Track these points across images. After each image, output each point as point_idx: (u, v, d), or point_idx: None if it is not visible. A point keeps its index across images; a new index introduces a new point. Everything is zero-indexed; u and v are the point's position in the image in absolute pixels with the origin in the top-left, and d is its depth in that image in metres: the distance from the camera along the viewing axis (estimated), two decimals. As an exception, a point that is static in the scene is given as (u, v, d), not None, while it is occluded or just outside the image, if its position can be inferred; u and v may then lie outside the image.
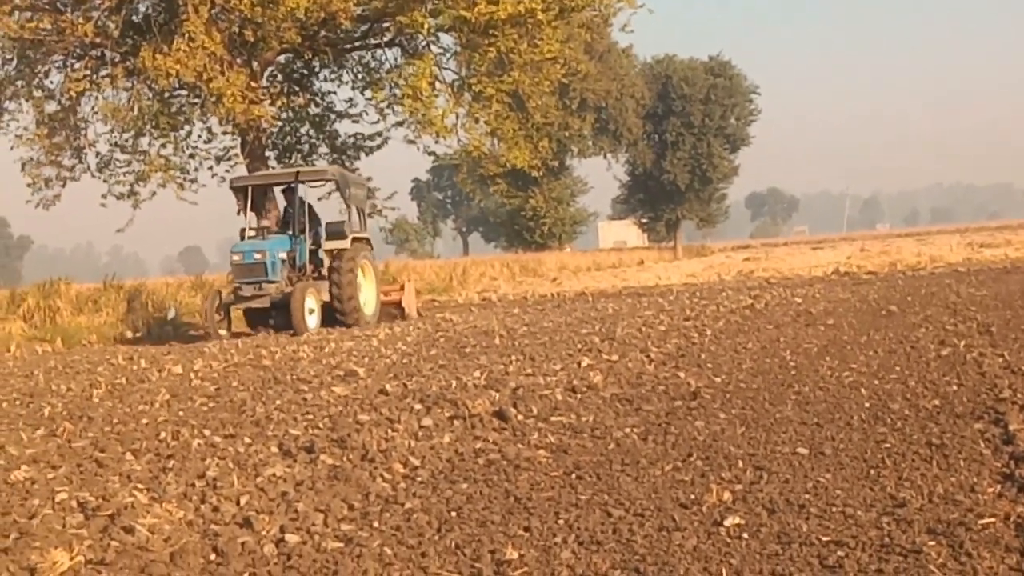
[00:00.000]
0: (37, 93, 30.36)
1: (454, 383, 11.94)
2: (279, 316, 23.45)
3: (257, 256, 23.34)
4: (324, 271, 24.67)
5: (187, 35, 26.38)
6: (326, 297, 23.86)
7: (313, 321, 23.06)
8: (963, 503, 6.18)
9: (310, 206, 25.72)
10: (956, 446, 7.63)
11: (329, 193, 28.60)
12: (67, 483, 8.09)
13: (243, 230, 24.87)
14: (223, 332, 23.28)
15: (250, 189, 25.31)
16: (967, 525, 5.72)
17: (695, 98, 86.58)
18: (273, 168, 31.00)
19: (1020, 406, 8.83)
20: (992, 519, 5.79)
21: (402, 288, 27.63)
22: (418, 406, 10.54)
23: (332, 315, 23.84)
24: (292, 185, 25.17)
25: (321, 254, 25.06)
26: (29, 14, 27.78)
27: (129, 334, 26.70)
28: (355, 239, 25.12)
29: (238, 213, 25.27)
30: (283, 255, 23.92)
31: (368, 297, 24.97)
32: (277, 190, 26.87)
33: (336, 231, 25.33)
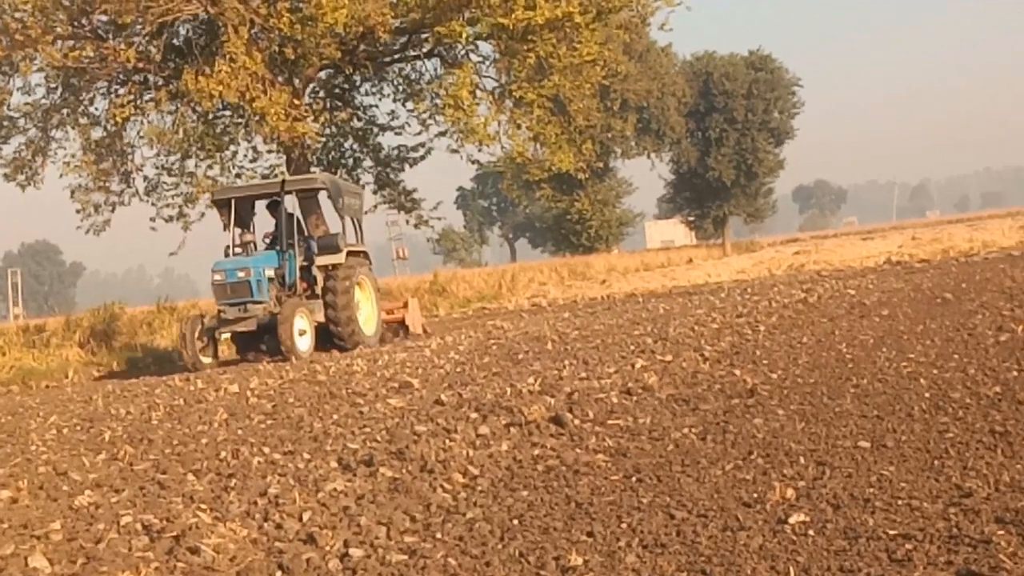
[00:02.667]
0: (83, 120, 30.63)
1: (509, 390, 11.94)
2: (270, 339, 21.89)
3: (241, 275, 21.77)
4: (318, 289, 23.04)
5: (228, 56, 26.54)
6: (320, 318, 22.48)
7: (304, 343, 21.56)
8: (1030, 491, 6.13)
9: (298, 219, 24.26)
10: (1020, 433, 7.57)
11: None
12: (131, 506, 8.16)
13: (227, 247, 23.45)
14: (207, 360, 21.96)
15: (233, 202, 23.70)
16: (1036, 513, 5.67)
17: (737, 93, 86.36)
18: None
19: (1082, 390, 8.75)
20: (1060, 505, 5.74)
21: (405, 305, 26.67)
22: (474, 415, 10.55)
23: (329, 336, 22.55)
24: (278, 196, 23.36)
25: (314, 271, 23.31)
26: (72, 43, 28.01)
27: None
28: (351, 253, 23.67)
29: (224, 229, 23.97)
30: (270, 273, 22.44)
31: (368, 316, 23.67)
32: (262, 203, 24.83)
33: (329, 245, 23.86)
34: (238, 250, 23.05)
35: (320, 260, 23.24)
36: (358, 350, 21.39)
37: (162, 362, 24.25)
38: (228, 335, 22.99)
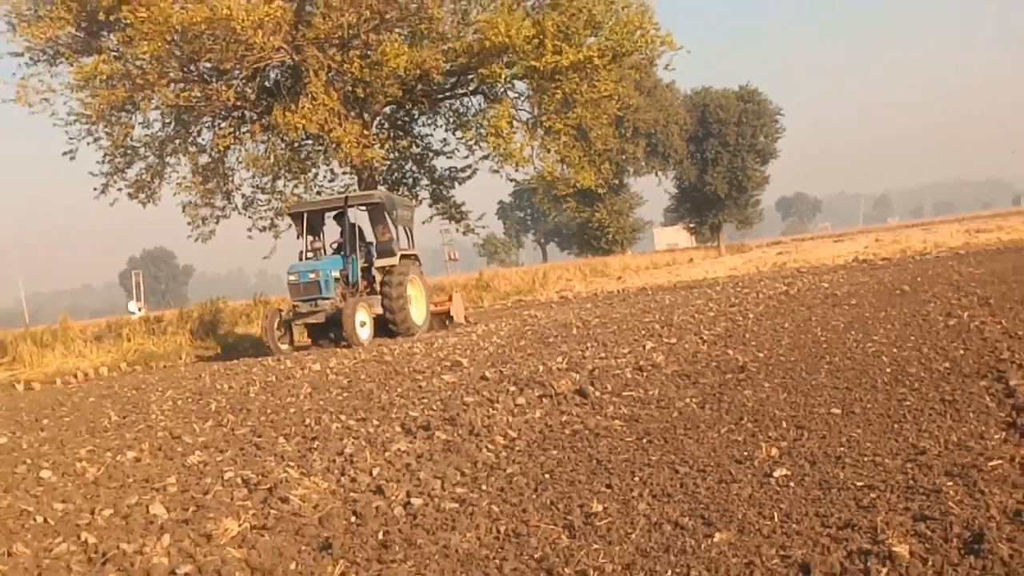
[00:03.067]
0: (192, 149, 30.83)
1: (541, 368, 11.93)
2: (337, 329, 21.71)
3: (311, 276, 21.81)
4: (377, 286, 22.95)
5: (310, 95, 26.67)
6: (379, 310, 22.39)
7: (365, 333, 21.45)
8: (974, 449, 6.10)
9: (360, 228, 23.97)
10: (966, 401, 7.52)
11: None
12: (232, 464, 8.21)
13: (301, 252, 23.29)
14: (284, 347, 22.09)
15: (306, 215, 23.43)
16: (979, 467, 5.65)
17: (729, 121, 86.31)
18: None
19: (1018, 365, 8.68)
20: (1000, 461, 5.71)
21: (450, 299, 26.27)
22: (513, 388, 10.55)
23: (385, 326, 22.46)
24: (343, 210, 23.22)
25: (373, 271, 23.20)
26: (182, 85, 28.19)
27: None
28: (403, 256, 23.52)
29: (297, 237, 23.61)
30: (336, 274, 22.27)
31: (418, 308, 23.45)
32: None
33: (385, 249, 23.82)
34: (310, 255, 22.98)
35: (378, 262, 23.21)
36: (416, 336, 21.38)
37: (258, 347, 24.30)
38: (302, 325, 22.72)
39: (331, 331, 21.96)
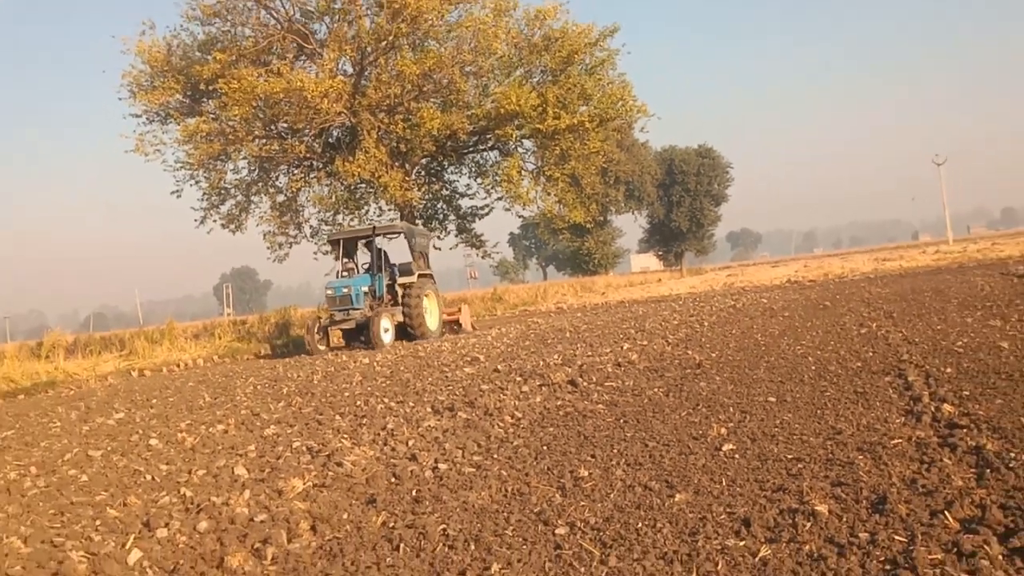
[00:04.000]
0: (271, 190, 30.91)
1: (541, 363, 11.92)
2: (366, 334, 21.27)
3: (345, 291, 21.51)
4: (399, 299, 22.66)
5: (364, 149, 26.79)
6: (400, 318, 22.01)
7: (388, 337, 20.98)
8: (880, 430, 6.06)
9: (385, 252, 23.57)
10: (873, 393, 7.48)
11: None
12: (299, 436, 8.21)
13: (338, 272, 22.88)
14: (322, 348, 21.66)
15: (341, 241, 23.16)
16: (883, 445, 5.61)
17: (690, 172, 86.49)
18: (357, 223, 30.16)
19: (915, 364, 8.63)
20: (899, 440, 5.67)
21: (459, 310, 25.64)
22: (519, 379, 10.53)
23: (405, 332, 22.06)
24: (371, 237, 23.06)
25: (397, 287, 22.94)
26: (264, 140, 28.32)
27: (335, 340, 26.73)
28: (420, 275, 23.23)
29: (335, 259, 23.42)
30: (365, 289, 21.93)
31: (432, 317, 23.01)
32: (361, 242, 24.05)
33: (406, 270, 23.37)
34: (344, 274, 22.73)
35: (400, 280, 23.00)
36: (430, 340, 21.32)
37: (351, 339, 24.22)
38: (338, 330, 22.57)
39: (361, 335, 21.75)
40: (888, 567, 3.63)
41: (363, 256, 23.80)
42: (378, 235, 23.12)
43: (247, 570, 4.54)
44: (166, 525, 5.36)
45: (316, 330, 21.73)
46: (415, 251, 23.61)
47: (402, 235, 23.95)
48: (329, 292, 21.95)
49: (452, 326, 24.82)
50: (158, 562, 4.75)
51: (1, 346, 30.19)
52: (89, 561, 4.79)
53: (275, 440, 8.12)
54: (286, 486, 6.03)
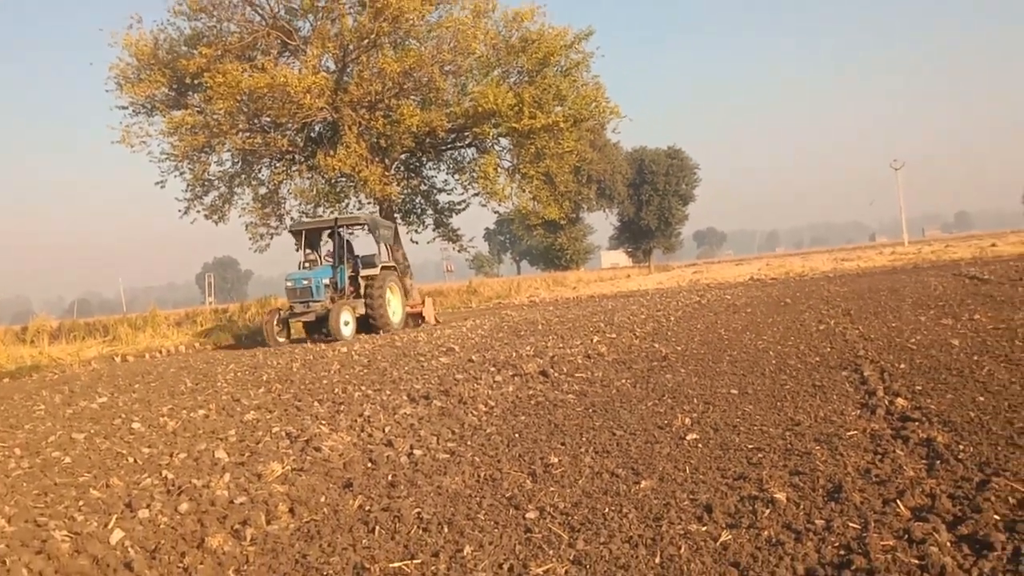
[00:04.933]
0: (254, 182, 30.63)
1: (514, 354, 11.94)
2: (326, 326, 20.26)
3: (304, 283, 20.58)
4: (362, 292, 21.74)
5: (345, 144, 26.66)
6: (362, 311, 21.13)
7: (348, 330, 20.09)
8: (836, 422, 6.13)
9: (349, 242, 22.67)
10: (831, 387, 7.56)
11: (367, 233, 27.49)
12: (278, 421, 8.18)
13: (300, 263, 21.87)
14: (281, 340, 20.63)
15: (304, 232, 22.31)
16: (839, 436, 5.68)
17: (660, 172, 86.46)
18: (320, 216, 28.72)
19: (870, 360, 8.73)
20: (855, 432, 5.74)
21: (423, 303, 24.99)
22: (492, 369, 10.55)
23: (368, 324, 21.21)
24: (333, 229, 21.95)
25: (360, 279, 21.97)
26: (248, 134, 28.12)
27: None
28: (383, 267, 22.37)
29: (297, 250, 22.28)
30: (326, 281, 20.97)
31: (395, 309, 22.29)
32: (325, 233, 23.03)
33: (369, 262, 22.51)
34: (306, 265, 21.75)
35: (363, 272, 22.12)
36: (391, 332, 21.01)
37: (313, 331, 24.12)
38: (300, 322, 21.32)
39: (322, 327, 20.67)
40: (843, 552, 3.68)
41: (328, 248, 22.87)
42: (340, 226, 22.20)
43: (227, 550, 4.52)
44: (148, 506, 5.33)
45: (276, 322, 20.91)
46: (379, 243, 22.99)
47: (365, 227, 23.32)
48: (289, 284, 21.14)
49: (415, 319, 24.18)
50: (140, 542, 4.72)
51: (-14, 330, 29.77)
52: (72, 540, 4.75)
53: (255, 425, 8.09)
54: (265, 470, 6.01)
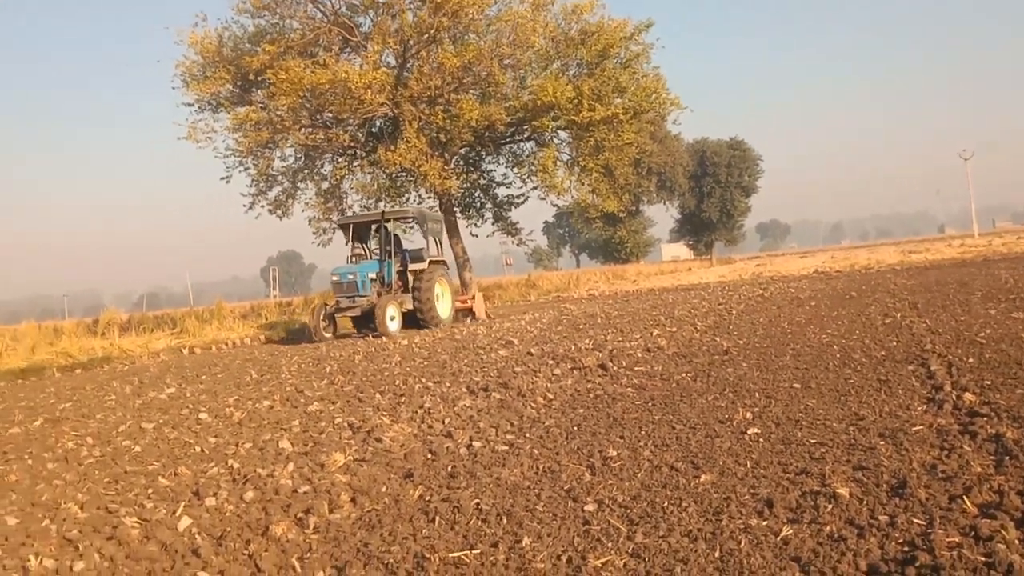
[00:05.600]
0: (316, 177, 31.09)
1: (573, 347, 11.94)
2: (372, 321, 19.75)
3: (350, 277, 20.22)
4: (410, 287, 21.19)
5: (405, 139, 26.87)
6: (410, 306, 20.67)
7: (394, 325, 19.54)
8: (902, 417, 6.02)
9: (396, 236, 22.29)
10: (896, 381, 7.42)
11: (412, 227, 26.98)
12: (341, 412, 8.29)
13: (348, 258, 21.55)
14: (327, 335, 20.27)
15: (352, 226, 21.87)
16: (904, 431, 5.58)
17: (721, 164, 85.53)
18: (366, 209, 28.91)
19: (938, 354, 8.55)
20: (921, 427, 5.63)
21: (473, 298, 24.31)
22: (551, 362, 10.56)
23: (415, 319, 20.74)
24: (381, 222, 21.34)
25: (408, 274, 21.43)
26: (310, 129, 28.51)
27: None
28: (432, 262, 21.70)
29: (345, 244, 21.87)
30: (372, 275, 20.48)
31: (444, 305, 21.62)
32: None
33: (417, 256, 21.90)
34: (352, 259, 21.41)
35: (412, 267, 21.53)
36: (477, 323, 21.01)
37: (360, 326, 24.34)
38: (349, 316, 20.99)
39: (369, 323, 20.15)
40: (907, 548, 3.61)
41: (377, 242, 22.11)
42: (388, 220, 21.72)
43: (290, 538, 4.61)
44: (214, 494, 5.45)
45: (322, 317, 20.58)
46: (427, 236, 22.40)
47: (414, 220, 22.80)
48: (334, 278, 20.83)
49: (465, 315, 23.66)
50: (207, 529, 4.84)
51: (60, 323, 30.72)
52: (142, 527, 4.89)
53: (318, 416, 8.21)
54: (328, 460, 6.11)
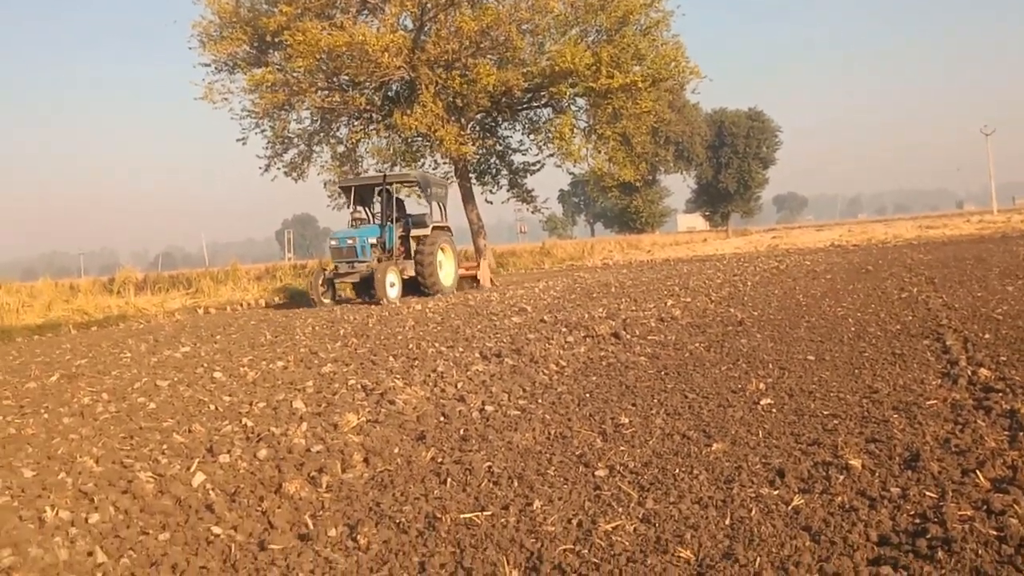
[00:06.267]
0: (332, 140, 31.11)
1: (586, 316, 11.93)
2: (372, 288, 19.01)
3: (349, 242, 19.50)
4: (412, 252, 20.54)
5: (421, 103, 26.77)
6: (411, 272, 20.02)
7: (394, 292, 18.89)
8: (916, 391, 6.00)
9: (399, 200, 21.58)
10: (911, 355, 7.39)
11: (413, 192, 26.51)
12: (354, 374, 8.33)
13: (350, 220, 20.81)
14: (326, 301, 19.64)
15: (353, 189, 21.19)
16: (918, 405, 5.56)
17: (739, 135, 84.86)
18: (376, 171, 28.40)
19: (954, 329, 8.50)
20: (935, 401, 5.61)
21: (478, 265, 23.63)
22: (564, 329, 10.56)
23: (417, 287, 20.14)
24: (383, 186, 20.46)
25: (410, 239, 20.78)
26: (326, 92, 28.43)
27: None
28: (435, 227, 20.99)
29: (346, 207, 21.27)
30: (372, 240, 19.69)
31: (447, 272, 21.03)
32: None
33: (420, 221, 21.19)
34: (353, 224, 20.58)
35: (414, 232, 20.89)
36: (490, 289, 20.80)
37: (360, 292, 24.16)
38: (349, 282, 20.31)
39: (369, 289, 19.39)
40: (918, 521, 3.61)
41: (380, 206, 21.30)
42: (390, 183, 20.87)
43: (303, 496, 4.65)
44: (228, 452, 5.50)
45: (320, 282, 20.03)
46: (431, 201, 21.86)
47: (416, 184, 22.23)
48: (333, 243, 20.22)
49: (470, 282, 23.09)
50: (220, 485, 4.89)
51: (76, 281, 30.94)
52: (156, 481, 4.95)
53: (331, 377, 8.25)
54: (341, 420, 6.14)
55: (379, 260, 19.76)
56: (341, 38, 24.97)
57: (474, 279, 23.10)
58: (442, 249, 20.89)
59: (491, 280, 23.55)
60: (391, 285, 19.00)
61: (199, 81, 28.48)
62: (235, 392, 7.76)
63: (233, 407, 7.05)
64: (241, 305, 22.02)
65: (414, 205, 28.48)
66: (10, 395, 8.54)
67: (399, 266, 19.84)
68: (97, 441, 6.09)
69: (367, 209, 21.30)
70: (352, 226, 20.58)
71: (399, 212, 21.18)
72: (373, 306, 17.91)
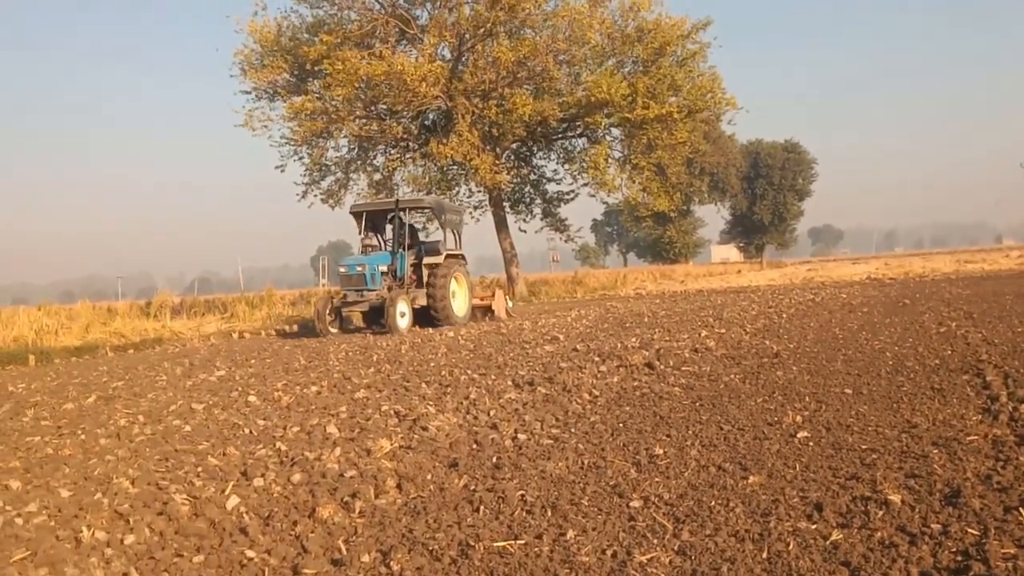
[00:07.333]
0: (369, 168, 31.50)
1: (619, 345, 11.87)
2: (382, 318, 18.26)
3: (359, 269, 18.69)
4: (424, 281, 19.50)
5: (458, 132, 27.02)
6: (423, 302, 19.04)
7: (404, 322, 18.14)
8: (956, 426, 5.90)
9: (412, 227, 20.55)
10: (951, 390, 7.28)
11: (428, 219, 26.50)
12: (388, 400, 8.34)
13: (361, 247, 20.01)
14: (333, 330, 18.81)
15: (365, 214, 20.07)
16: (959, 440, 5.47)
17: (775, 166, 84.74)
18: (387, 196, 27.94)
19: (994, 364, 8.36)
20: (975, 437, 5.52)
21: (493, 295, 22.24)
22: (597, 359, 10.52)
23: (429, 317, 19.11)
24: (395, 212, 19.65)
25: (423, 268, 19.72)
26: (364, 121, 28.80)
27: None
28: (449, 255, 19.91)
29: (358, 233, 20.12)
30: (383, 268, 18.95)
31: (460, 302, 20.04)
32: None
33: (433, 249, 20.24)
34: (365, 250, 19.82)
35: (426, 260, 19.80)
36: (520, 318, 20.49)
37: (369, 322, 23.69)
38: (358, 311, 19.27)
39: (380, 318, 18.55)
40: (960, 558, 3.54)
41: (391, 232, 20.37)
42: (402, 209, 19.79)
43: (337, 521, 4.65)
44: (262, 475, 5.53)
45: (328, 311, 19.03)
46: (444, 228, 20.84)
47: (430, 210, 21.50)
48: (342, 270, 19.31)
49: (484, 312, 21.77)
50: (254, 508, 4.91)
51: (114, 304, 31.39)
52: (191, 504, 4.98)
53: (365, 403, 8.27)
54: (374, 446, 6.15)
55: (389, 288, 19.02)
56: (380, 67, 25.31)
57: (489, 310, 22.02)
58: (455, 278, 19.94)
59: (507, 311, 22.41)
60: (401, 315, 18.29)
61: (240, 108, 28.96)
62: (269, 416, 7.80)
63: (267, 431, 7.09)
64: (276, 330, 22.11)
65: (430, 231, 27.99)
66: (48, 416, 8.66)
67: (410, 295, 19.01)
68: (133, 462, 6.15)
69: (379, 236, 20.44)
70: (363, 253, 19.89)
71: (411, 239, 20.37)
72: (411, 332, 17.75)
